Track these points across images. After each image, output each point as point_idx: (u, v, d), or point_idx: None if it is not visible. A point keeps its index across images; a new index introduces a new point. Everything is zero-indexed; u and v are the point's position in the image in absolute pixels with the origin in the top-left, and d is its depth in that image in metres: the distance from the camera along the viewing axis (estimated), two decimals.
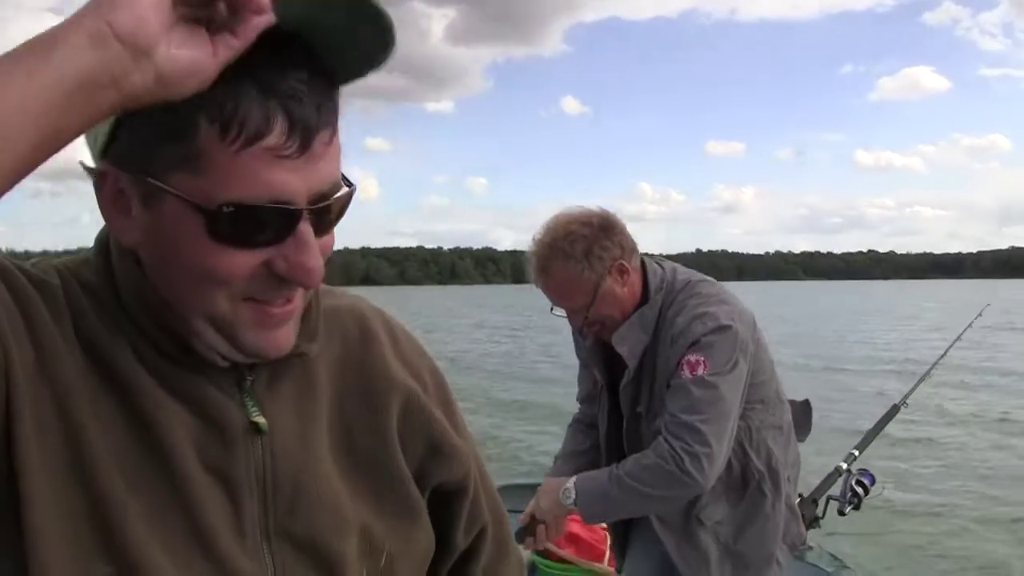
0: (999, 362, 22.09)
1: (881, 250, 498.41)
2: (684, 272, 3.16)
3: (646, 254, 3.17)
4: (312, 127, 0.97)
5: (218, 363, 1.11)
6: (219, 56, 0.90)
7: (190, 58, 0.88)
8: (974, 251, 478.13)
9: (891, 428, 4.64)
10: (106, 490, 1.02)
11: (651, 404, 3.05)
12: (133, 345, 1.08)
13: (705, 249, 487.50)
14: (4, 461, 0.97)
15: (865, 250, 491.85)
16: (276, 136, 0.95)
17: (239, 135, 0.93)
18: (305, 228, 1.01)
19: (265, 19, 0.90)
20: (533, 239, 3.06)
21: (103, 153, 1.00)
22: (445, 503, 1.36)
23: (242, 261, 1.01)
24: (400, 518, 1.26)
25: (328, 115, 0.99)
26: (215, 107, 0.93)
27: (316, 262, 1.03)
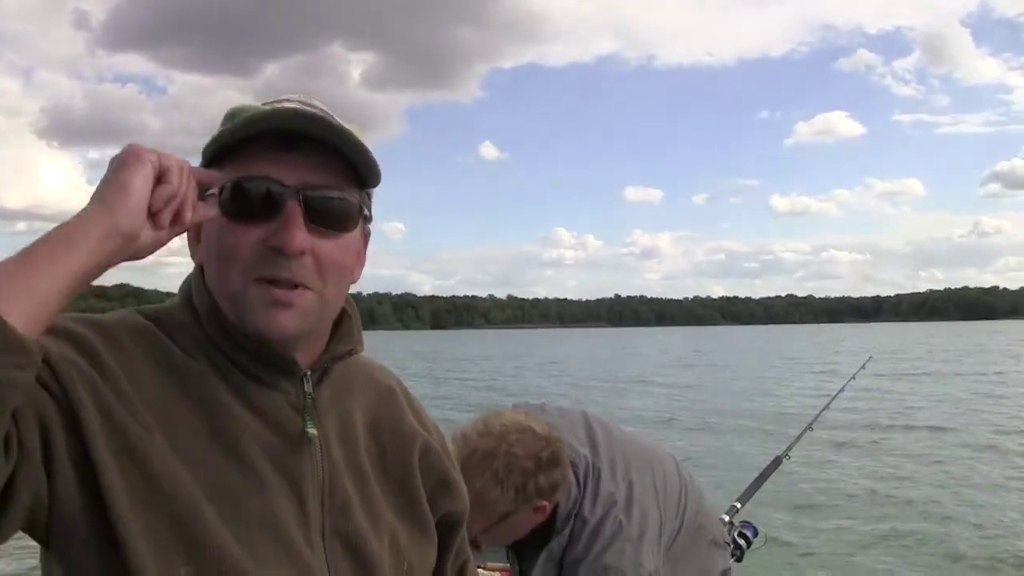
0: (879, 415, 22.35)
1: (799, 294, 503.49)
2: (591, 497, 2.87)
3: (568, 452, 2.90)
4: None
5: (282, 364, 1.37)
6: (174, 232, 1.25)
7: (155, 237, 1.23)
8: (892, 294, 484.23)
9: (775, 479, 4.67)
10: (187, 499, 1.22)
11: None
12: (217, 367, 1.34)
13: (624, 295, 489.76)
14: (92, 487, 1.17)
15: (784, 294, 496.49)
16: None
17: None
18: (292, 208, 1.29)
19: (213, 212, 1.29)
20: (473, 429, 2.77)
21: None
22: (444, 533, 1.61)
23: (244, 235, 1.29)
24: (418, 533, 1.52)
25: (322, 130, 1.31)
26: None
27: (298, 235, 1.28)
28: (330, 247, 1.33)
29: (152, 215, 1.20)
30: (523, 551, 3.01)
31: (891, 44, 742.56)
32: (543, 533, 2.86)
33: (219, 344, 1.34)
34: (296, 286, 1.30)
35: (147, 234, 1.21)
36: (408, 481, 1.52)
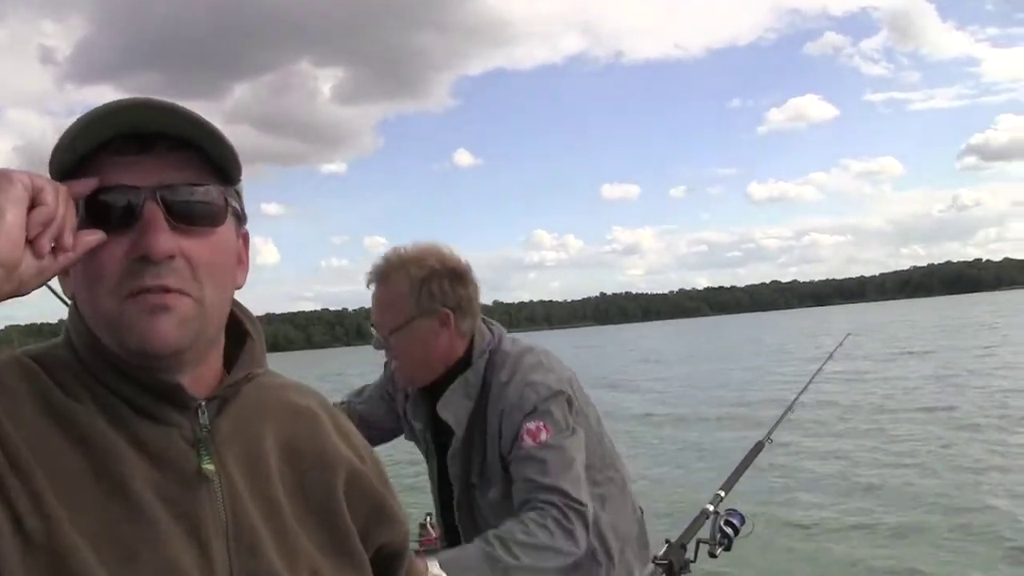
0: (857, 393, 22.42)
1: (783, 280, 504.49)
2: (509, 340, 3.13)
3: (484, 317, 3.13)
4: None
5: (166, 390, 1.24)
6: (60, 262, 1.15)
7: (38, 267, 1.12)
8: (876, 274, 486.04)
9: (758, 464, 4.64)
10: (70, 549, 1.10)
11: (484, 473, 2.99)
12: (102, 405, 1.21)
13: (609, 292, 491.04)
14: None
15: (768, 281, 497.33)
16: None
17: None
18: (151, 210, 1.18)
19: (96, 237, 1.17)
20: (394, 248, 3.04)
21: None
22: (384, 566, 1.48)
23: (107, 252, 1.18)
24: (347, 567, 1.37)
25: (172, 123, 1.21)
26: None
27: (162, 238, 1.17)
28: (200, 246, 1.23)
29: (30, 242, 1.11)
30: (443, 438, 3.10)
31: (857, 25, 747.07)
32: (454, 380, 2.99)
33: (101, 378, 1.24)
34: (169, 291, 1.19)
35: (28, 263, 1.11)
36: (333, 511, 1.39)
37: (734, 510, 3.96)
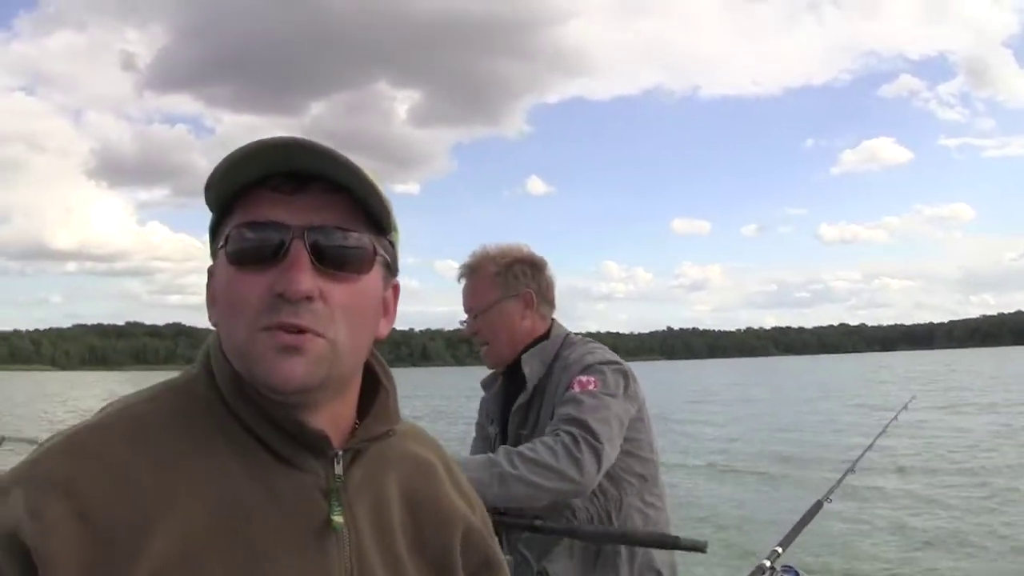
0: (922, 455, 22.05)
1: (852, 322, 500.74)
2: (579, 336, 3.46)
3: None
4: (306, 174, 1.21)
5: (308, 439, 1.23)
6: None
7: None
8: (944, 320, 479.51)
9: (816, 523, 4.65)
10: None
11: (536, 426, 3.21)
12: (239, 447, 1.22)
13: (676, 327, 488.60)
14: None
15: (836, 323, 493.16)
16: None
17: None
18: (297, 250, 1.19)
19: None
20: (480, 245, 3.46)
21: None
22: None
23: (250, 284, 1.19)
24: None
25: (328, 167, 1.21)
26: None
27: (303, 279, 1.17)
28: (341, 291, 1.22)
29: None
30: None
31: (934, 68, 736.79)
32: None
33: (240, 416, 1.23)
34: (304, 332, 1.18)
35: None
36: (448, 564, 1.39)
37: (789, 567, 3.97)
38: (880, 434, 5.40)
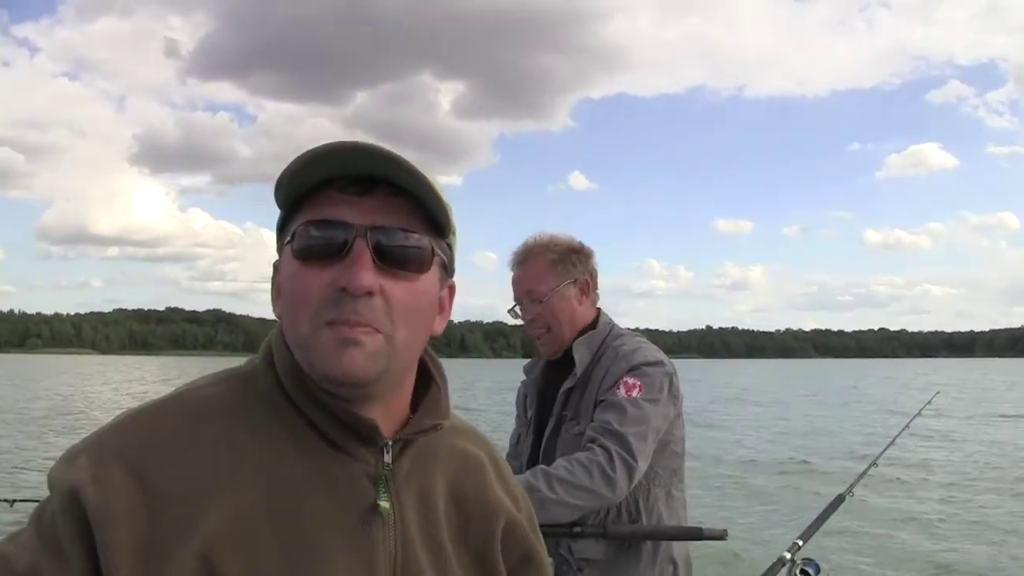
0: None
1: (892, 328, 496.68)
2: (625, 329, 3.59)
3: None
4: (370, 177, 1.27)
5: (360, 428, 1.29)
6: None
7: None
8: (985, 329, 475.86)
9: (837, 518, 4.66)
10: None
11: (579, 410, 3.35)
12: (296, 435, 1.28)
13: (715, 326, 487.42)
14: None
15: (876, 328, 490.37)
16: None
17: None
18: (360, 248, 1.25)
19: None
20: (531, 235, 3.57)
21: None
22: None
23: (315, 279, 1.25)
24: None
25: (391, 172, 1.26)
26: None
27: (365, 275, 1.23)
28: (401, 289, 1.28)
29: None
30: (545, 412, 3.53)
31: (983, 75, 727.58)
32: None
33: (299, 405, 1.29)
34: (363, 326, 1.24)
35: None
36: (490, 559, 1.44)
37: (810, 559, 3.97)
38: (903, 430, 5.40)
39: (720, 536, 3.15)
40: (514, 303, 3.53)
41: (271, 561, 1.19)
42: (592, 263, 3.57)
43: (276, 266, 1.36)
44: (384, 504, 1.29)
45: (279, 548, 1.20)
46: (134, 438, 1.23)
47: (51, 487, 1.21)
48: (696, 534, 3.17)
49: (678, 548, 3.35)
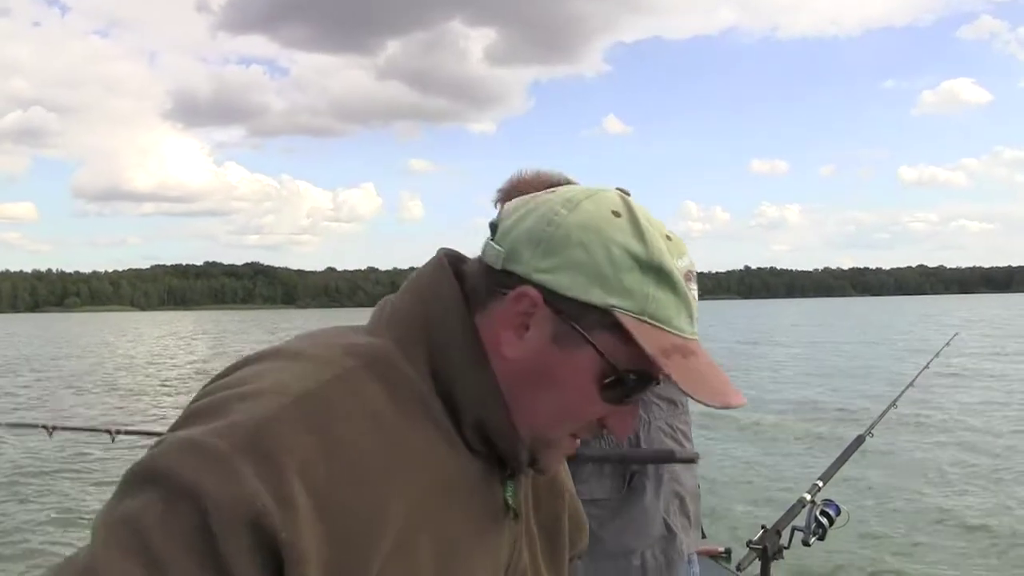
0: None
1: (930, 264, 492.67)
2: None
3: None
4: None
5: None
6: None
7: None
8: (1023, 263, 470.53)
9: (858, 457, 4.69)
10: None
11: None
12: (445, 432, 1.16)
13: (754, 266, 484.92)
14: None
15: (914, 265, 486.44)
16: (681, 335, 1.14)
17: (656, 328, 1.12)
18: (635, 405, 1.21)
19: None
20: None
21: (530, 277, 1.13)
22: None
23: (601, 410, 1.17)
24: None
25: None
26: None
27: (628, 426, 1.21)
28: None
29: None
30: None
31: (1016, 10, 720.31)
32: None
33: (461, 416, 1.17)
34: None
35: None
36: (556, 531, 1.42)
37: (831, 501, 4.00)
38: (922, 370, 5.41)
39: (692, 459, 3.19)
40: None
41: (427, 571, 1.10)
42: None
43: (521, 290, 1.14)
44: (511, 502, 1.26)
45: (434, 557, 1.11)
46: (302, 438, 1.00)
47: (194, 494, 0.93)
48: (668, 456, 3.17)
49: (684, 482, 3.30)
